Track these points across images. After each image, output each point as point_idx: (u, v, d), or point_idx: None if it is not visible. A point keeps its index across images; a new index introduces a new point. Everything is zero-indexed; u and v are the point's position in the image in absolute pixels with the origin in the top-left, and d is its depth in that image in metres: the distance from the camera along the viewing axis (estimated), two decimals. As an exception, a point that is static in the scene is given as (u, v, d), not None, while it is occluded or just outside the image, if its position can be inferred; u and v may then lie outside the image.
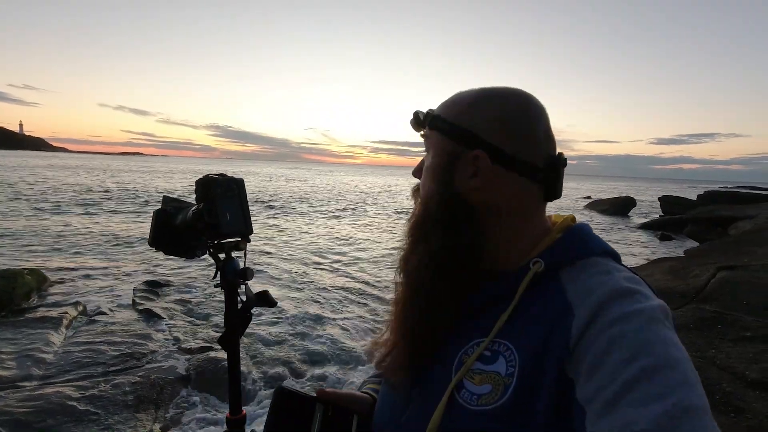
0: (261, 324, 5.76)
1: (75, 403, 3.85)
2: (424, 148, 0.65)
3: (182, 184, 32.88)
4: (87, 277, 7.75)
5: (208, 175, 0.77)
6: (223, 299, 0.78)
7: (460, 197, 0.58)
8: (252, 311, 0.80)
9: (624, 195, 28.58)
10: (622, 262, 0.58)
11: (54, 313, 5.81)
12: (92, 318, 5.85)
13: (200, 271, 8.26)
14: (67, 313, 5.82)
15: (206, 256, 0.86)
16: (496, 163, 0.57)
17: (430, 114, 0.63)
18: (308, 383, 4.50)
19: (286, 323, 5.97)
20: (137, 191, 24.91)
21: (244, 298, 0.79)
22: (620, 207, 24.81)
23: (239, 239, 0.78)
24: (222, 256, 0.78)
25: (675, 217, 17.93)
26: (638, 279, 0.53)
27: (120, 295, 6.82)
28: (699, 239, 13.66)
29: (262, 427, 0.62)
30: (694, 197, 23.26)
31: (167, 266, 8.66)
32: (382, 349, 0.65)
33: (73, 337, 5.28)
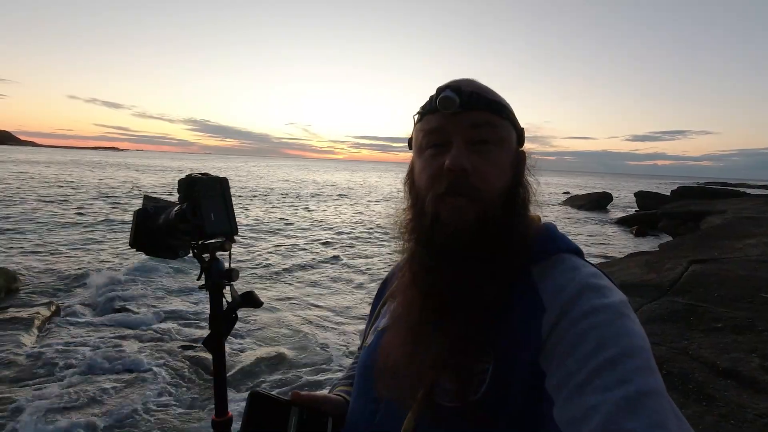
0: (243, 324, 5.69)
1: (49, 405, 3.73)
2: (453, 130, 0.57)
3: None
4: (60, 276, 7.50)
5: (191, 174, 0.75)
6: (208, 300, 0.77)
7: (525, 195, 0.61)
8: (237, 312, 0.78)
9: (601, 191, 29.30)
10: (586, 258, 0.61)
11: (25, 313, 5.60)
12: (66, 318, 5.67)
13: (178, 269, 8.10)
14: (39, 313, 5.62)
15: (188, 256, 0.84)
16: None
17: (496, 99, 0.59)
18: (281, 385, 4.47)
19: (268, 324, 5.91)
20: (108, 187, 24.21)
21: (229, 298, 0.78)
22: (597, 202, 25.46)
23: (224, 240, 0.77)
24: (206, 256, 0.76)
25: (650, 212, 18.46)
26: (602, 274, 0.56)
27: (95, 295, 6.62)
28: (672, 233, 14.12)
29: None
30: (668, 193, 24.00)
31: (144, 265, 8.46)
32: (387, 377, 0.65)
33: (46, 338, 5.11)
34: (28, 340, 4.98)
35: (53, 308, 5.89)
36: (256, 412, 0.61)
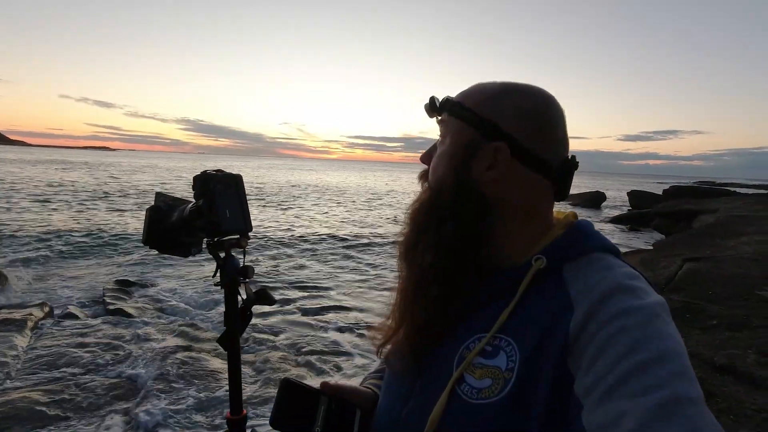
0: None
1: (44, 408, 3.68)
2: (435, 135, 0.66)
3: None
4: (53, 276, 7.41)
5: (205, 171, 0.75)
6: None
7: (475, 187, 0.58)
8: (252, 310, 0.78)
9: (594, 190, 29.55)
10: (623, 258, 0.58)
11: (17, 314, 5.52)
12: (60, 319, 5.59)
13: (174, 268, 8.03)
14: (31, 314, 5.54)
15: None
16: (514, 157, 0.57)
17: (450, 100, 0.62)
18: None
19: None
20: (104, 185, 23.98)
21: (244, 296, 0.77)
22: (591, 201, 25.73)
23: (239, 237, 0.76)
24: (222, 254, 0.75)
25: (643, 211, 18.63)
26: (638, 275, 0.53)
27: (89, 295, 6.55)
28: (665, 232, 14.27)
29: (262, 427, 0.61)
30: (660, 192, 24.20)
31: (138, 264, 8.39)
32: (382, 337, 0.65)
33: (40, 339, 5.03)
34: (21, 341, 4.91)
35: (46, 309, 5.82)
36: (287, 400, 0.61)
